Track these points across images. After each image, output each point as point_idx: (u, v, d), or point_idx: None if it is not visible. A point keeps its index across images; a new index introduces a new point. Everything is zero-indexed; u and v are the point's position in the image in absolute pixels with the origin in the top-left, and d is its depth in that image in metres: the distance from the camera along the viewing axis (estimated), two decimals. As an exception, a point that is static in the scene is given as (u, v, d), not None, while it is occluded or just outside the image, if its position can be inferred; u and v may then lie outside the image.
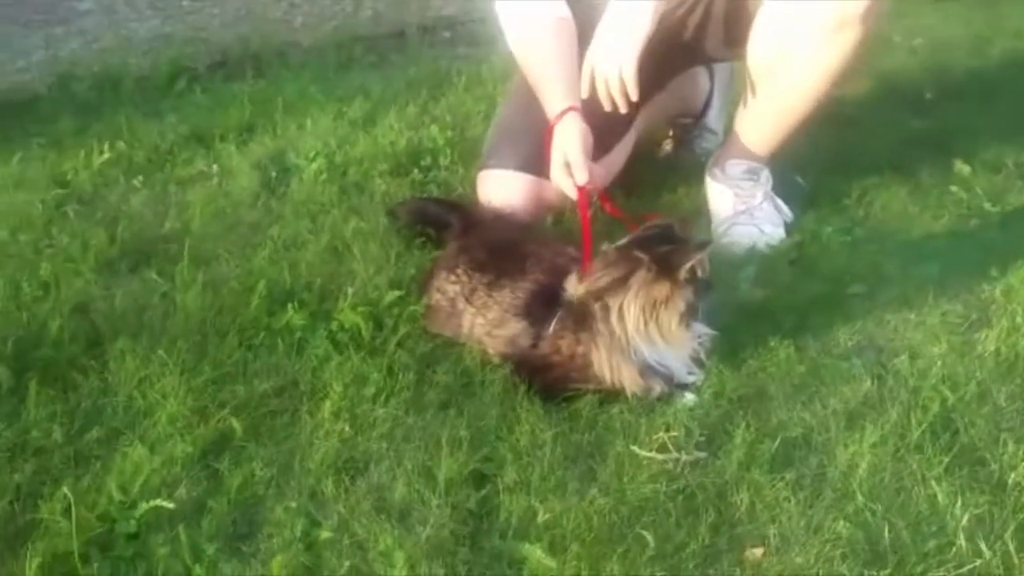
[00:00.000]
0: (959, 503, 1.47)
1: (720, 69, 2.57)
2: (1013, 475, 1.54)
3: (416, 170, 2.47)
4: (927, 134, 2.73)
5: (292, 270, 2.01)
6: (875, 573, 1.38)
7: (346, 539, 1.42)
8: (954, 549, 1.41)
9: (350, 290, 1.91)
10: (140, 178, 2.48)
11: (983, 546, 1.41)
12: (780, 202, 2.25)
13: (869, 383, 1.73)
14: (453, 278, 1.86)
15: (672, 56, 2.25)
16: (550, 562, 1.38)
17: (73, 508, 1.41)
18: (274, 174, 2.48)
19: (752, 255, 2.13)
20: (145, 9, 3.54)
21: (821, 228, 2.23)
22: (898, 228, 2.27)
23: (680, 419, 1.65)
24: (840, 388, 1.72)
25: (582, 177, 1.95)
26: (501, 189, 2.16)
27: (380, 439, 1.60)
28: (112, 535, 1.41)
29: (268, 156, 2.57)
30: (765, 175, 2.24)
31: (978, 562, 1.39)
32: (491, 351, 1.79)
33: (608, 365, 1.68)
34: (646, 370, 1.68)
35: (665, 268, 1.65)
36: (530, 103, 2.11)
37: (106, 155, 2.56)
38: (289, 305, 1.86)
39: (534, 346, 1.74)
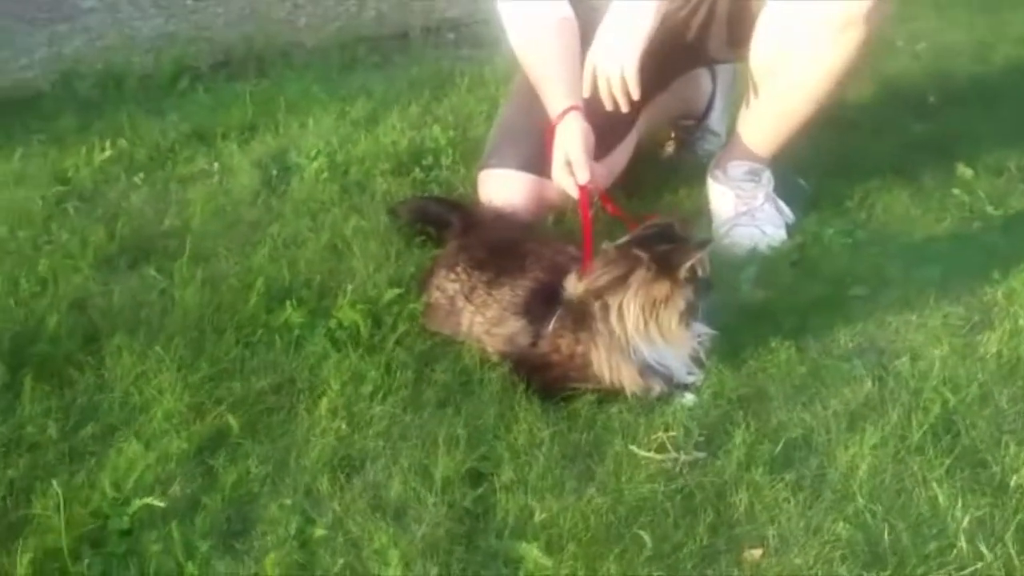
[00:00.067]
0: (960, 505, 1.46)
1: (723, 71, 2.56)
2: (1015, 477, 1.53)
3: (418, 169, 2.47)
4: (930, 138, 2.73)
5: (291, 268, 2.01)
6: (875, 575, 1.37)
7: (340, 537, 1.41)
8: (955, 551, 1.40)
9: (349, 288, 1.91)
10: (141, 175, 2.48)
11: (984, 548, 1.40)
12: (782, 204, 2.24)
13: (870, 384, 1.72)
14: (453, 276, 1.85)
15: (675, 57, 2.24)
16: (546, 561, 1.37)
17: (64, 504, 1.40)
18: (275, 172, 2.47)
19: (753, 256, 2.13)
20: (149, 8, 3.53)
21: (823, 230, 2.22)
22: (900, 230, 2.26)
23: (679, 419, 1.64)
24: (841, 389, 1.72)
25: (584, 176, 1.95)
26: (502, 188, 2.15)
27: (377, 437, 1.59)
28: (105, 531, 1.40)
29: (269, 155, 2.57)
30: (767, 176, 2.23)
31: (979, 564, 1.38)
32: (490, 349, 1.78)
33: (607, 364, 1.67)
34: (645, 370, 1.67)
35: (665, 267, 1.64)
36: (532, 103, 2.10)
37: (107, 152, 2.56)
38: (288, 302, 1.86)
39: (533, 345, 1.73)
